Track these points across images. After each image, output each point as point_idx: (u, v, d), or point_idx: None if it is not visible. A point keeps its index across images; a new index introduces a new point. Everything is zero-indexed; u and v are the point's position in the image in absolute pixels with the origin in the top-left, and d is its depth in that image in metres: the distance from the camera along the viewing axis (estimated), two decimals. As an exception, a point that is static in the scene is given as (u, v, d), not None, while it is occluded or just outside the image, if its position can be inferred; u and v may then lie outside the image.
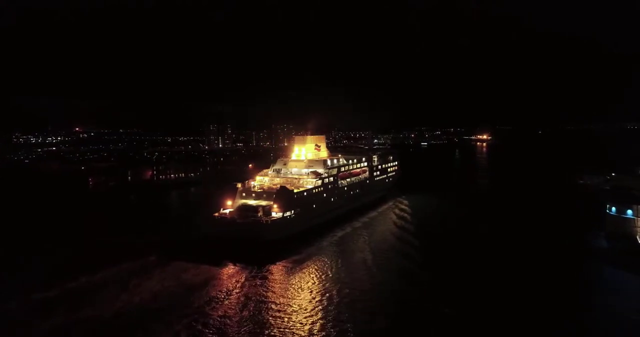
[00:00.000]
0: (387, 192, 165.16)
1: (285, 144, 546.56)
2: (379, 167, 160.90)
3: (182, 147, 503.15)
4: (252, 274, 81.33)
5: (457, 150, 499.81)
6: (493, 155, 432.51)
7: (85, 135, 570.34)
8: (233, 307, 67.45)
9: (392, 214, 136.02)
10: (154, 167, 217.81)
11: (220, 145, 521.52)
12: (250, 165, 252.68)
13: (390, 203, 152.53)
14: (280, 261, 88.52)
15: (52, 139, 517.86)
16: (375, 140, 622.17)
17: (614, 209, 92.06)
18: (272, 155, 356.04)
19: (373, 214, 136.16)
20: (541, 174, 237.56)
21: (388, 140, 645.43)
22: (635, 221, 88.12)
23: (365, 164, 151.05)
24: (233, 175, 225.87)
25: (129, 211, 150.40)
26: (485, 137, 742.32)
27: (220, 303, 68.50)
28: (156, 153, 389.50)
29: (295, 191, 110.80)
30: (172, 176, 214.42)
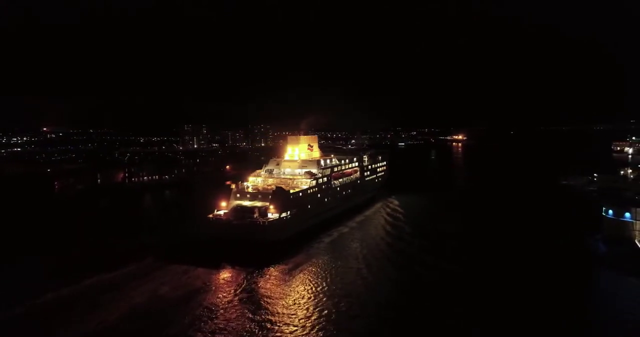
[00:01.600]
0: (377, 192, 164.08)
1: (262, 144, 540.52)
2: (369, 167, 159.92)
3: (156, 148, 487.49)
4: (249, 278, 79.28)
5: (433, 151, 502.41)
6: (470, 155, 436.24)
7: (54, 135, 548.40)
8: (231, 314, 64.91)
9: (384, 215, 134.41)
10: (126, 169, 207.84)
11: (196, 146, 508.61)
12: (227, 166, 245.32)
13: (381, 203, 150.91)
14: (276, 263, 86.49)
15: (17, 140, 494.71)
16: (353, 141, 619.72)
17: (610, 212, 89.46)
18: (249, 154, 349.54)
19: (366, 214, 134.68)
20: (523, 174, 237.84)
21: (365, 141, 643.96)
22: (634, 224, 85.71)
23: (357, 164, 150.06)
24: (211, 177, 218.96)
25: (103, 216, 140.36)
26: (460, 137, 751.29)
27: (218, 310, 66.06)
28: (128, 154, 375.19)
29: (291, 191, 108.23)
30: (146, 178, 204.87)
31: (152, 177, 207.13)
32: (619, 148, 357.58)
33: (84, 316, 62.88)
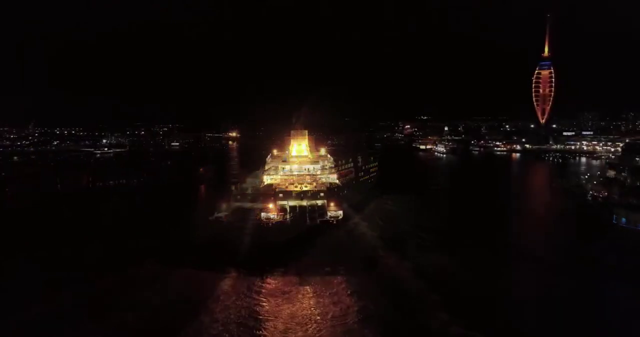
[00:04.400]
0: (370, 193, 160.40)
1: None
2: (363, 167, 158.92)
3: (126, 149, 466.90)
4: (253, 283, 77.76)
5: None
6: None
7: (16, 135, 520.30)
8: (235, 322, 63.86)
9: (381, 215, 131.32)
10: (91, 172, 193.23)
11: (166, 147, 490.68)
12: (201, 169, 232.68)
13: (374, 204, 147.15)
14: (277, 267, 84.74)
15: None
16: (329, 142, 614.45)
17: (624, 220, 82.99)
18: (211, 152, 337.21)
19: (361, 214, 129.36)
20: (503, 175, 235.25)
21: (342, 142, 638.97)
22: None
23: (352, 164, 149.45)
24: (185, 179, 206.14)
25: (67, 226, 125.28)
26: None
27: (223, 317, 64.97)
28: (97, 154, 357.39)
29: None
30: (112, 182, 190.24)
31: (120, 181, 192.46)
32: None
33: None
